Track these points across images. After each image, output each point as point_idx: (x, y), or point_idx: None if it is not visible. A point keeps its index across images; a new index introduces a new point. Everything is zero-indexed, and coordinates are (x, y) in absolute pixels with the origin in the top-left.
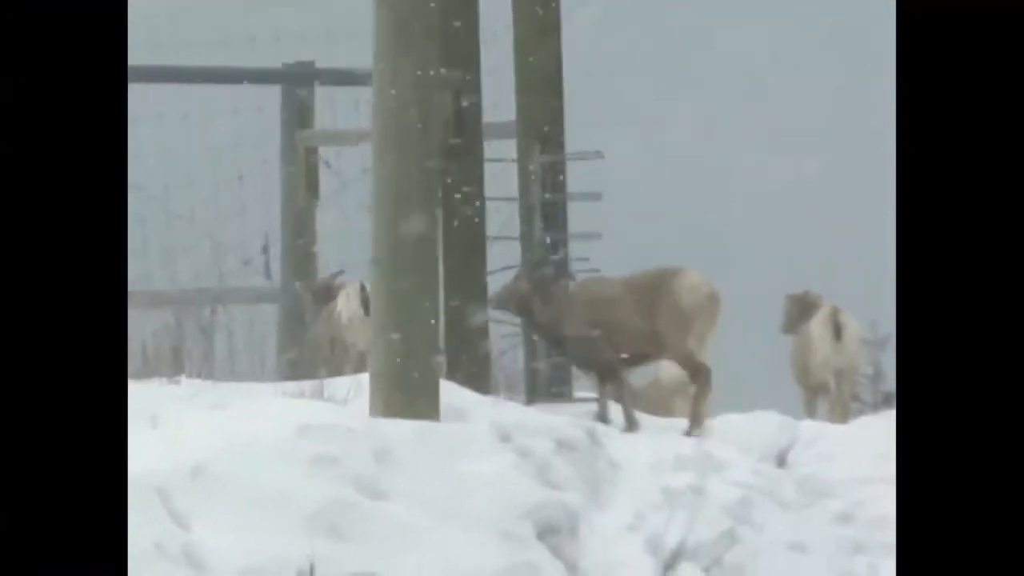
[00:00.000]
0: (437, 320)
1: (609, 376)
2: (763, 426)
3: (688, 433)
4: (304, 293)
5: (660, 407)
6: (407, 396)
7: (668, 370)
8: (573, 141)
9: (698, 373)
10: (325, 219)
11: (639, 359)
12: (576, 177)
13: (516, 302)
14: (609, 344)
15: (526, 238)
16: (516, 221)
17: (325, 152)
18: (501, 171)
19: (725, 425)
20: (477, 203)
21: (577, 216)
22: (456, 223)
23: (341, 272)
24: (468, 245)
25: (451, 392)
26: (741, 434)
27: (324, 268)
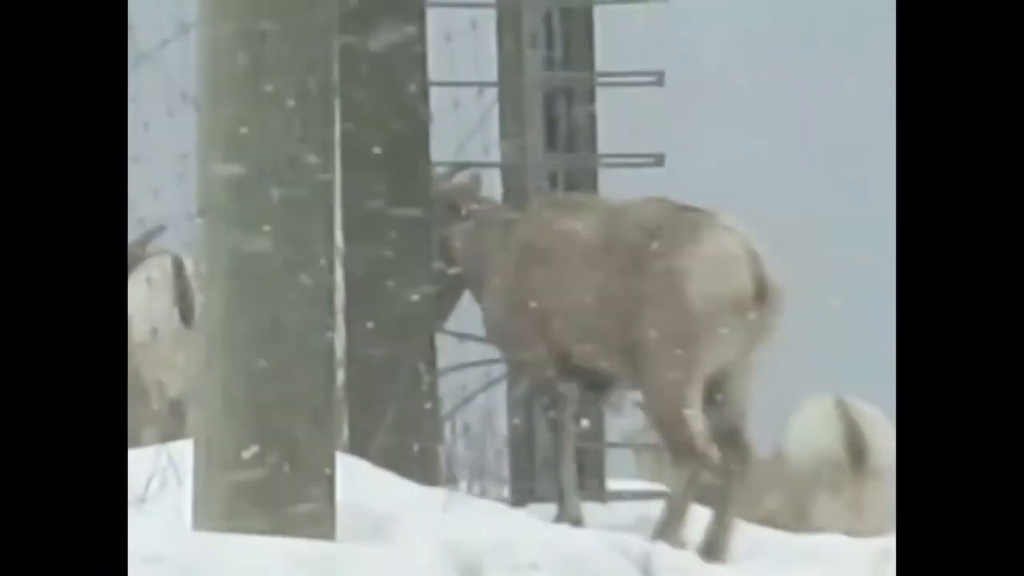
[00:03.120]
0: (332, 330)
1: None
2: None
3: (703, 556)
4: None
5: (788, 506)
6: (269, 488)
7: (800, 437)
8: None
9: (686, 449)
10: None
11: (605, 378)
12: (611, 47)
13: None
14: (546, 338)
15: (512, 164)
16: (494, 132)
17: None
18: (462, 29)
19: None
20: (412, 92)
21: (613, 122)
22: (372, 137)
23: (160, 231)
24: (396, 177)
25: (361, 479)
26: None
27: None
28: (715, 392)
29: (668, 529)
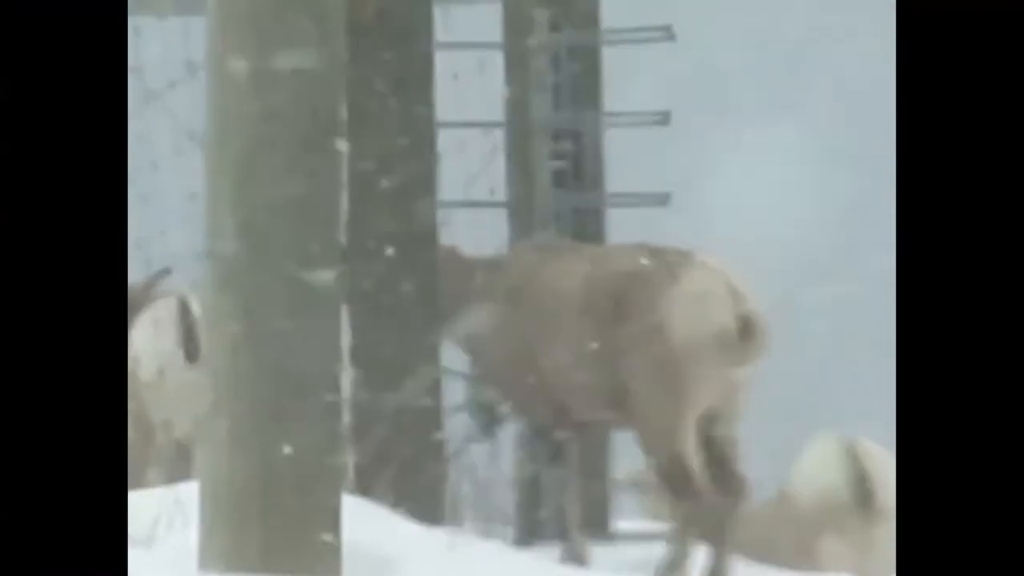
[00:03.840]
0: (339, 369)
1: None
2: None
3: None
4: None
5: (794, 547)
6: (276, 531)
7: (806, 476)
8: (614, 12)
9: (684, 488)
10: None
11: (589, 423)
12: (618, 83)
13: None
14: (541, 390)
15: (519, 204)
16: (500, 172)
17: None
18: (470, 69)
19: None
20: (421, 133)
21: (622, 160)
22: (377, 174)
23: (166, 273)
24: (402, 217)
25: (366, 520)
26: None
27: None
28: (707, 428)
29: (671, 569)
